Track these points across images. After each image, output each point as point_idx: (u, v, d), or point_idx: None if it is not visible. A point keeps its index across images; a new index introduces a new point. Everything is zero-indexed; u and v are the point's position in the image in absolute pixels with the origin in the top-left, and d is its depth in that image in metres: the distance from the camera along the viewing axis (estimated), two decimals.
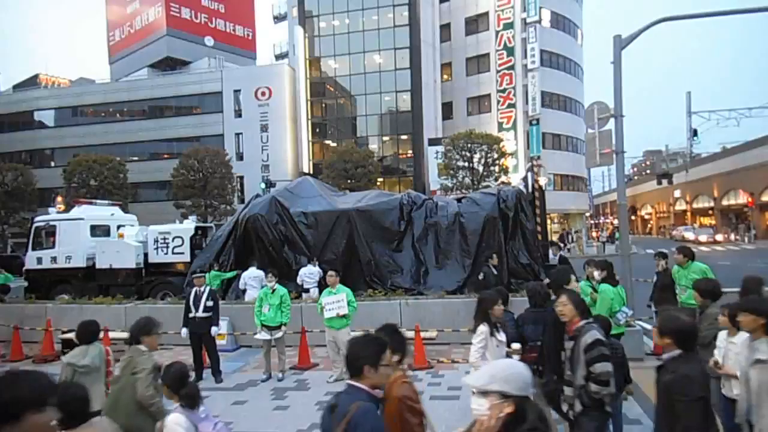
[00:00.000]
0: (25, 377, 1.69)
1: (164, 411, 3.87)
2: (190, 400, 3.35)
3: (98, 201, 18.03)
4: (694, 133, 41.43)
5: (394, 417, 2.70)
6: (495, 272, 10.12)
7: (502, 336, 4.63)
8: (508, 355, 4.76)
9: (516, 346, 5.00)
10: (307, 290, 11.43)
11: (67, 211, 17.25)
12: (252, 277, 11.50)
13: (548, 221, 19.50)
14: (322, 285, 10.96)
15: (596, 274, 6.73)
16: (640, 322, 8.93)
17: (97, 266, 14.03)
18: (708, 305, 4.91)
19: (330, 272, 8.12)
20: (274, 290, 8.17)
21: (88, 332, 4.64)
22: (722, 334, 4.30)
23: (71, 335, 10.40)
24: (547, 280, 7.93)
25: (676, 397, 2.88)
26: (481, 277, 10.06)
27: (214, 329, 8.08)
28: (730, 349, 4.12)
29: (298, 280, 11.46)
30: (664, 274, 8.20)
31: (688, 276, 6.97)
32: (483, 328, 4.47)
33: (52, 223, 14.89)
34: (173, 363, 3.62)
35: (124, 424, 3.49)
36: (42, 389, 1.67)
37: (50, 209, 17.60)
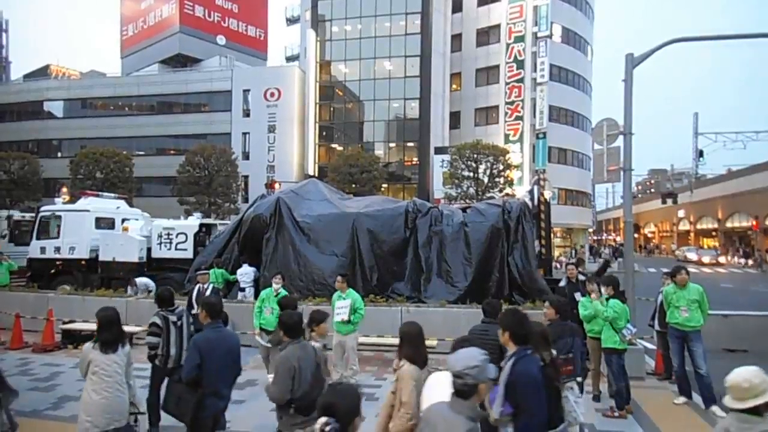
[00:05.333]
0: None
1: None
2: None
3: (105, 194, 18.09)
4: (700, 153, 41.35)
5: None
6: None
7: None
8: None
9: None
10: (243, 289, 11.68)
11: (72, 202, 17.32)
12: (242, 273, 11.65)
13: (551, 235, 19.46)
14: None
15: (603, 290, 6.76)
16: (642, 341, 8.91)
17: (100, 258, 14.07)
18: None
19: (339, 277, 8.14)
20: (278, 293, 8.13)
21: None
22: None
23: (72, 326, 10.46)
24: None
25: None
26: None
27: None
28: None
29: (239, 280, 11.74)
30: None
31: (687, 297, 6.97)
32: None
33: (57, 213, 14.95)
34: None
35: None
36: None
37: (56, 200, 17.68)
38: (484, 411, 2.52)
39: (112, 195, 18.09)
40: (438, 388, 2.97)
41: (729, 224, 50.66)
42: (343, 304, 7.67)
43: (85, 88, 44.67)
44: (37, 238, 14.89)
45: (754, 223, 42.74)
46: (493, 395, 3.38)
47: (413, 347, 3.77)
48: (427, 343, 9.02)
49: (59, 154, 43.14)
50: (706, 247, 51.35)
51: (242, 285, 11.67)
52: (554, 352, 3.62)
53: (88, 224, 14.65)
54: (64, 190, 28.19)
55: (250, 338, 9.97)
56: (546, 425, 3.25)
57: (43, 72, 52.90)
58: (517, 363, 3.30)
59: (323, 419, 2.29)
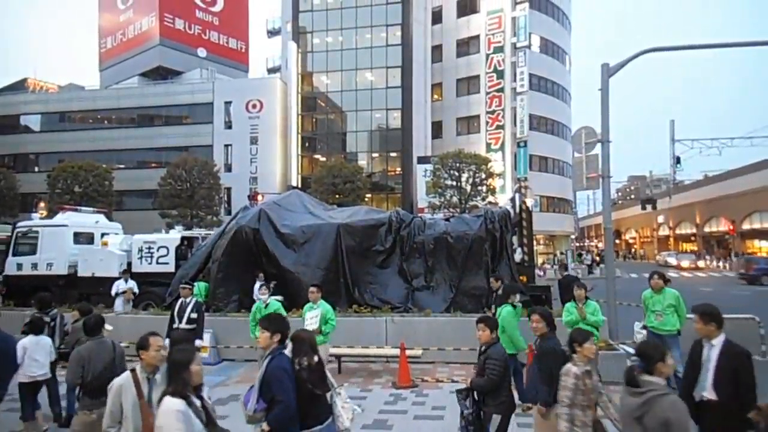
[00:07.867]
0: None
1: None
2: None
3: (83, 208, 17.81)
4: (678, 160, 42.13)
5: None
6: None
7: None
8: None
9: None
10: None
11: (49, 217, 17.00)
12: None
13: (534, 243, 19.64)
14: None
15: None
16: (624, 346, 8.99)
17: (79, 274, 13.81)
18: None
19: (311, 288, 8.07)
20: (267, 304, 8.08)
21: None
22: None
23: None
24: None
25: None
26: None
27: (198, 342, 7.96)
28: None
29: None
30: None
31: (663, 302, 7.15)
32: None
33: (34, 228, 14.66)
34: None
35: None
36: None
37: (33, 215, 17.34)
38: None
39: (91, 209, 17.81)
40: None
41: (707, 228, 51.65)
42: (313, 315, 7.60)
43: (63, 102, 44.10)
44: (14, 255, 14.57)
45: (731, 227, 43.64)
46: (247, 396, 3.73)
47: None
48: (412, 353, 9.08)
49: (36, 169, 42.41)
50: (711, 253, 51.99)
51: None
52: (317, 358, 3.86)
53: (67, 239, 14.39)
54: (42, 205, 27.73)
55: (234, 351, 9.90)
56: (297, 417, 3.59)
57: (20, 85, 52.11)
58: (272, 360, 3.68)
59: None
